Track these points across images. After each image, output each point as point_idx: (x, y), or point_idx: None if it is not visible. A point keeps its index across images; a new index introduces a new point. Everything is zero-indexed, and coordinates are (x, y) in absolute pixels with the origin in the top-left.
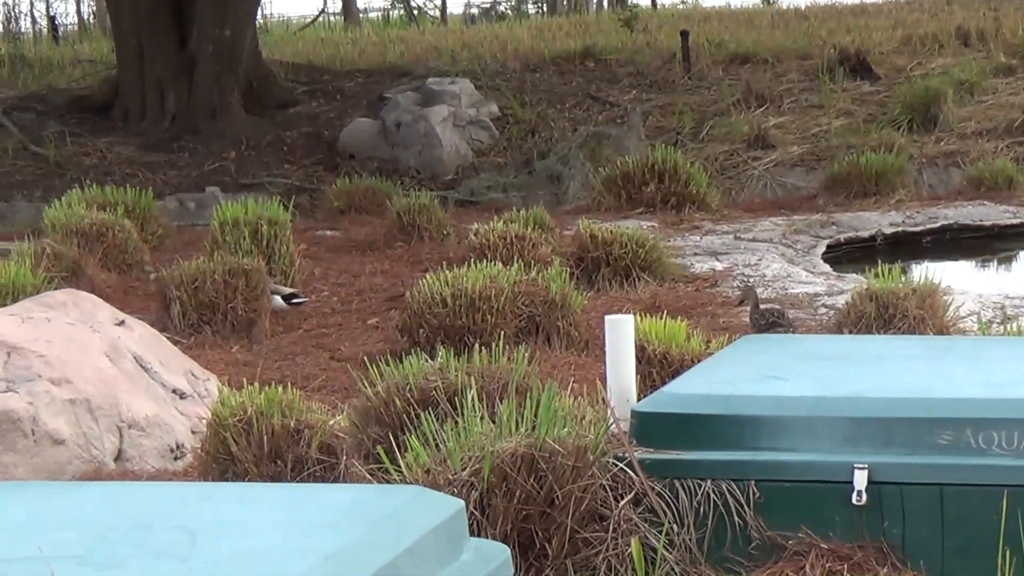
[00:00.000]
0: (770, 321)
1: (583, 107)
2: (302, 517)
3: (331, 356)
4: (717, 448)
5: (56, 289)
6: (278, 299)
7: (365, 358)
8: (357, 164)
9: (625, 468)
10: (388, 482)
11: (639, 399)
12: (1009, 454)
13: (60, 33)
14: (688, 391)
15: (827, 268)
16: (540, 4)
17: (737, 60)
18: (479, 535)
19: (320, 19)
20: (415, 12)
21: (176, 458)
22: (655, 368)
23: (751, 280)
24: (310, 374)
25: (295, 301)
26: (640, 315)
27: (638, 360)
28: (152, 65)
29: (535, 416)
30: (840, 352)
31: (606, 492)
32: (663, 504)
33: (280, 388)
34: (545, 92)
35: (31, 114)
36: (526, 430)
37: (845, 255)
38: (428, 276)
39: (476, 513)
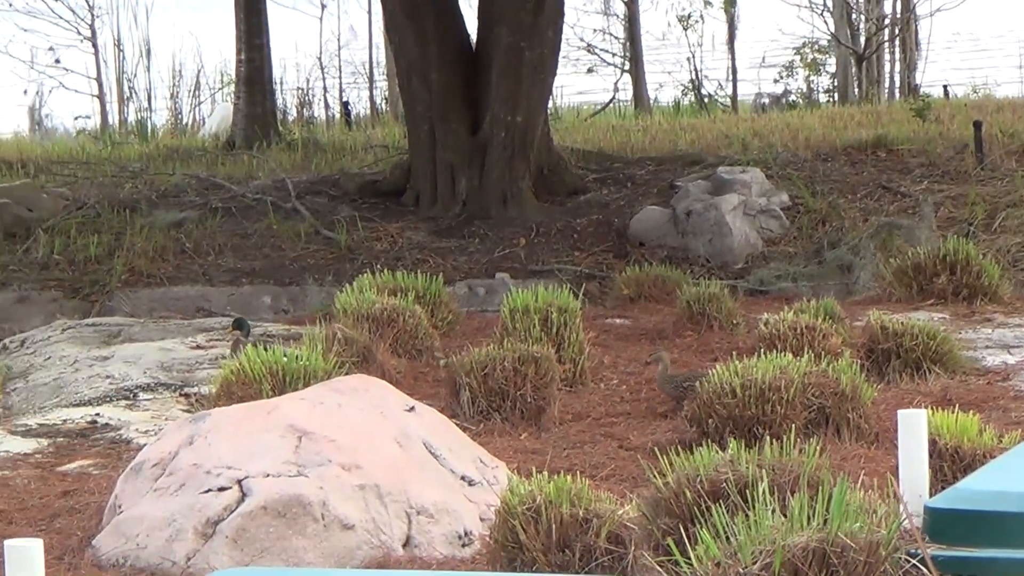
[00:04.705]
0: (683, 386)
1: (874, 197)
2: None
3: (620, 445)
4: (1012, 547)
5: (347, 374)
6: None
7: (654, 448)
8: (647, 252)
9: (918, 564)
10: (677, 574)
11: (931, 495)
12: None
13: (352, 118)
14: (982, 488)
15: None
16: (831, 93)
17: None
18: None
19: (610, 106)
20: (706, 100)
21: (464, 545)
22: (946, 463)
23: None
24: (599, 463)
25: None
26: (931, 409)
27: (929, 454)
28: (444, 151)
29: (826, 510)
30: None
31: None
32: None
33: (569, 477)
34: (836, 182)
35: (323, 198)
36: (817, 524)
37: None
38: (718, 366)
39: None
